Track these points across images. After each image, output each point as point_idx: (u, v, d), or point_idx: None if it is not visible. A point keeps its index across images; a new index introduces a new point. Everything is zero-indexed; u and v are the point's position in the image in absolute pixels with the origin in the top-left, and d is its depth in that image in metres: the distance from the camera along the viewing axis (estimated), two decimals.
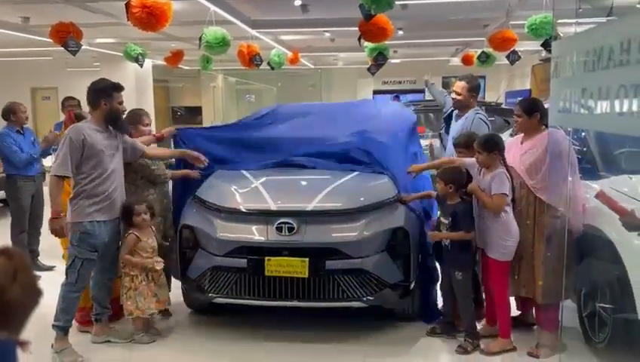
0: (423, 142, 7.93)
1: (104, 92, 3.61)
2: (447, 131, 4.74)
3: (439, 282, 4.00)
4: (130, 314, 3.80)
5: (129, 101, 6.86)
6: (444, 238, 3.69)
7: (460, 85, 4.48)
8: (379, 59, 8.68)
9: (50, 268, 5.28)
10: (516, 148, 3.73)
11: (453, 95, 4.51)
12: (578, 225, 3.43)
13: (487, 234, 3.58)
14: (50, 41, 7.09)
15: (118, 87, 3.66)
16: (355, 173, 4.22)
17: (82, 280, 3.59)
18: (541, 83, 12.55)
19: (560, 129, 3.46)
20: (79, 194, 3.54)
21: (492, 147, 3.58)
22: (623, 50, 1.54)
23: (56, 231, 3.55)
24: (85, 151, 3.49)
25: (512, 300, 3.85)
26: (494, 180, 3.51)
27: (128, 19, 4.70)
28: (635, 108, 1.47)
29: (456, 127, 4.47)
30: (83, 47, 7.26)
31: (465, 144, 3.94)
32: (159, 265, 3.83)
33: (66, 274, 3.58)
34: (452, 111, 4.67)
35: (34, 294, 0.57)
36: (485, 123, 4.40)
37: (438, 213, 3.96)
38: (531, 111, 3.64)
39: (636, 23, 1.57)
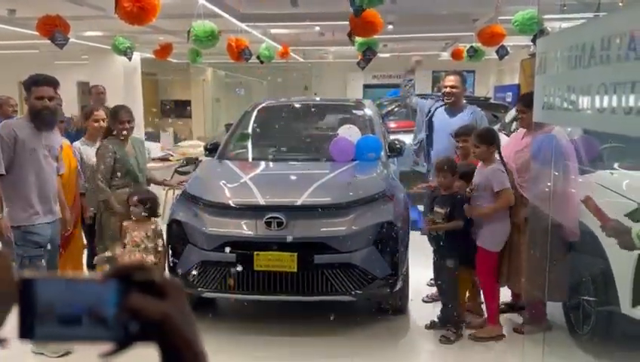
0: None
1: (25, 87, 3.44)
2: (430, 138, 4.66)
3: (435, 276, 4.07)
4: None
5: (118, 94, 6.85)
6: (441, 229, 3.71)
7: (454, 79, 4.53)
8: (367, 53, 8.67)
9: None
10: (515, 144, 3.79)
11: (448, 89, 4.51)
12: (574, 229, 3.46)
13: (479, 225, 3.65)
14: (37, 34, 7.01)
15: (37, 81, 3.40)
16: (344, 167, 4.25)
17: None
18: (529, 78, 12.59)
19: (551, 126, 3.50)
20: (17, 195, 3.39)
21: (491, 140, 3.63)
22: (603, 48, 1.57)
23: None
24: (17, 148, 3.35)
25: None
26: (494, 178, 3.56)
27: (116, 13, 4.65)
28: (614, 105, 1.49)
29: (458, 121, 4.41)
30: (71, 40, 7.19)
31: (469, 133, 4.00)
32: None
33: None
34: (435, 109, 4.62)
35: (14, 291, 0.57)
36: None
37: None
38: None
39: (616, 21, 1.60)
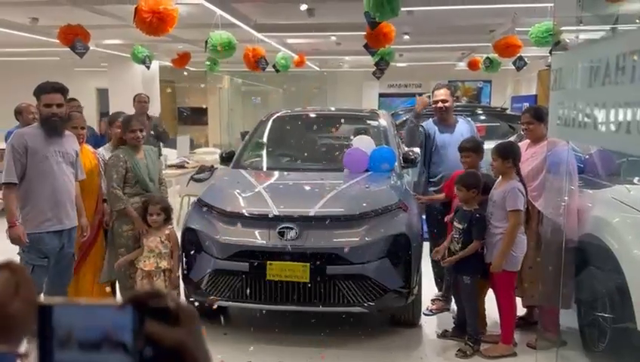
0: None
1: (34, 95, 3.50)
2: (428, 161, 4.51)
3: (451, 287, 4.05)
4: None
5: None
6: (457, 259, 3.65)
7: (444, 93, 4.44)
8: (380, 64, 8.74)
9: None
10: (521, 154, 3.79)
11: (439, 104, 4.42)
12: (571, 235, 3.45)
13: (497, 246, 3.59)
14: (58, 41, 7.15)
15: (44, 89, 3.45)
16: (358, 178, 4.26)
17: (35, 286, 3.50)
18: (547, 89, 12.50)
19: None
20: (28, 202, 3.45)
21: (508, 154, 3.60)
22: (619, 67, 1.56)
23: (14, 241, 3.44)
24: (29, 156, 3.41)
25: (519, 300, 3.91)
26: (509, 195, 3.51)
27: (134, 23, 4.73)
28: (629, 124, 1.48)
29: (460, 133, 4.37)
30: (90, 48, 7.32)
31: (474, 148, 3.98)
32: (147, 266, 3.86)
33: None
34: (434, 133, 4.47)
35: (35, 308, 0.60)
36: None
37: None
38: (543, 118, 3.70)
39: (632, 39, 1.59)
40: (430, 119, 4.62)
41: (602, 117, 1.69)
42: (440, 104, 4.44)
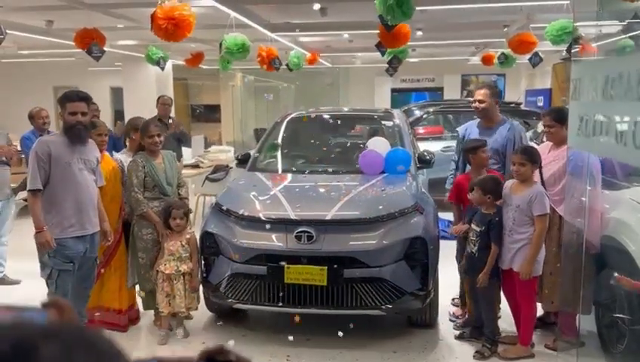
0: (442, 144, 7.92)
1: (59, 103, 3.58)
2: (464, 163, 4.38)
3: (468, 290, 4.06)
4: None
5: (150, 100, 7.02)
6: (487, 274, 3.61)
7: (481, 93, 4.34)
8: (393, 62, 8.74)
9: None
10: (543, 157, 3.75)
11: (476, 104, 4.33)
12: (595, 241, 3.43)
13: (518, 251, 3.57)
14: (73, 44, 7.23)
15: (70, 97, 3.53)
16: (374, 181, 4.27)
17: (62, 290, 3.54)
18: (562, 82, 12.37)
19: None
20: (52, 208, 3.52)
21: (537, 159, 3.56)
22: None
23: (42, 245, 3.50)
24: (52, 163, 3.47)
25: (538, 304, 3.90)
26: (536, 200, 3.47)
27: (152, 30, 4.76)
28: None
29: (499, 139, 4.22)
30: (105, 49, 7.38)
31: (473, 148, 3.97)
32: (167, 269, 3.94)
33: (47, 284, 3.60)
34: (469, 133, 4.42)
35: None
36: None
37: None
38: (565, 121, 3.64)
39: None
40: (474, 120, 4.55)
41: (624, 130, 1.68)
42: (476, 104, 4.35)
